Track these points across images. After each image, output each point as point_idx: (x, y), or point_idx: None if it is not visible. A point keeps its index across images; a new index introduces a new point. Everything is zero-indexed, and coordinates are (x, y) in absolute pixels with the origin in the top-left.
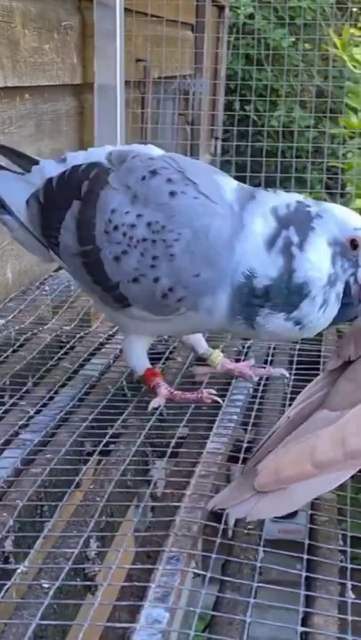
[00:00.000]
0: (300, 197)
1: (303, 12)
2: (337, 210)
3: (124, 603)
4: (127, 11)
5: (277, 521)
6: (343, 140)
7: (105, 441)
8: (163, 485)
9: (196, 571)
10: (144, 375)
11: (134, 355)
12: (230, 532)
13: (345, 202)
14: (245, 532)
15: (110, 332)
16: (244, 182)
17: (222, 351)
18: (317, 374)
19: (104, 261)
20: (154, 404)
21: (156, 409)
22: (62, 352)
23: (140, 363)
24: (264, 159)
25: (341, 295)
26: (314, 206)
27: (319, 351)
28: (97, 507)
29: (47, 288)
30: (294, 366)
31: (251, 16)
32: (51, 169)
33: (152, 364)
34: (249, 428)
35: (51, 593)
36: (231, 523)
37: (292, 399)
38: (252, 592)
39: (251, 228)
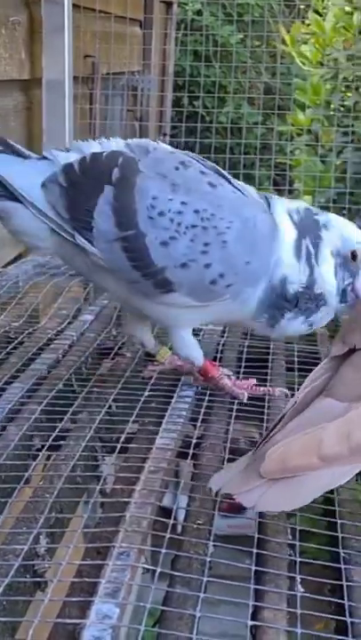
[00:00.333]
0: (305, 204)
1: (251, 8)
2: (340, 222)
3: (74, 599)
4: (75, 6)
5: (227, 516)
6: (291, 136)
7: (54, 435)
8: (112, 481)
9: (146, 566)
10: (204, 366)
11: (190, 345)
12: (180, 528)
13: (293, 198)
14: (195, 527)
15: (59, 329)
16: None
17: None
18: (267, 371)
19: (149, 247)
20: (240, 396)
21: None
22: (10, 347)
23: (198, 353)
24: (213, 155)
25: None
26: (320, 215)
27: (268, 348)
28: (46, 503)
29: None
30: (243, 363)
31: (199, 12)
32: (59, 155)
33: (101, 359)
34: (198, 424)
35: (0, 590)
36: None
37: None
38: (201, 587)
39: (281, 229)
